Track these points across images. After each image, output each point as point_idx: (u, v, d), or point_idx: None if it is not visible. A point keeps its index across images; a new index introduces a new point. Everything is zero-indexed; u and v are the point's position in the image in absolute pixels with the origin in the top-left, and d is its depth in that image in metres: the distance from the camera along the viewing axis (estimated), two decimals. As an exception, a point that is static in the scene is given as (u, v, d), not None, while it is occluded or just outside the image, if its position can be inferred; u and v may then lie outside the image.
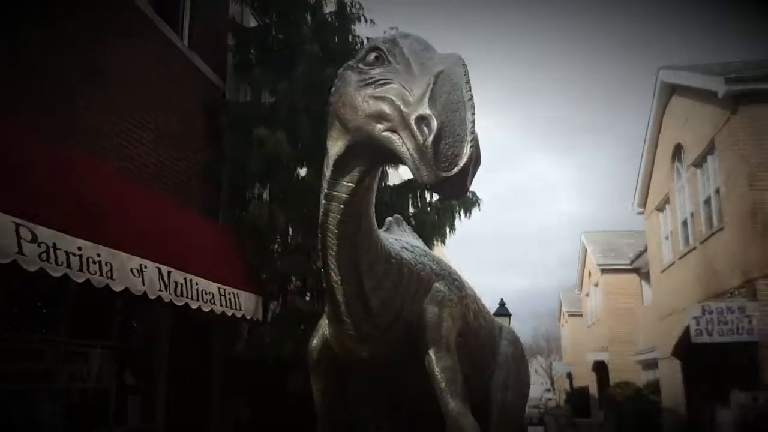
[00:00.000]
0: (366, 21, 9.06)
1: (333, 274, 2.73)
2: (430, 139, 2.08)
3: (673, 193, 15.19)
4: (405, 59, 2.35)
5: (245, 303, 7.22)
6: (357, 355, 2.96)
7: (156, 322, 7.35)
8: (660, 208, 16.59)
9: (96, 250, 4.93)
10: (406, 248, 3.17)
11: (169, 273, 5.84)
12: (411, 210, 9.33)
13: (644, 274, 25.01)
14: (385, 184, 8.78)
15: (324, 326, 3.20)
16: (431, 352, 2.87)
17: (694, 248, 13.40)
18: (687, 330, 11.60)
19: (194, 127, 8.08)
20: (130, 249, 5.38)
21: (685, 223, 14.55)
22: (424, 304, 3.03)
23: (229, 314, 6.84)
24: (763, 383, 9.98)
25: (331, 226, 2.65)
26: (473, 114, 2.16)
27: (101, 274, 4.93)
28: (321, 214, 2.67)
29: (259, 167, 7.84)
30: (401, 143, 2.19)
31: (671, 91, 14.88)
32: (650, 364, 20.37)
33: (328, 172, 2.63)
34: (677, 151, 14.86)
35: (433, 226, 9.07)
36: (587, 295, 28.83)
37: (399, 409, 3.44)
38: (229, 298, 6.85)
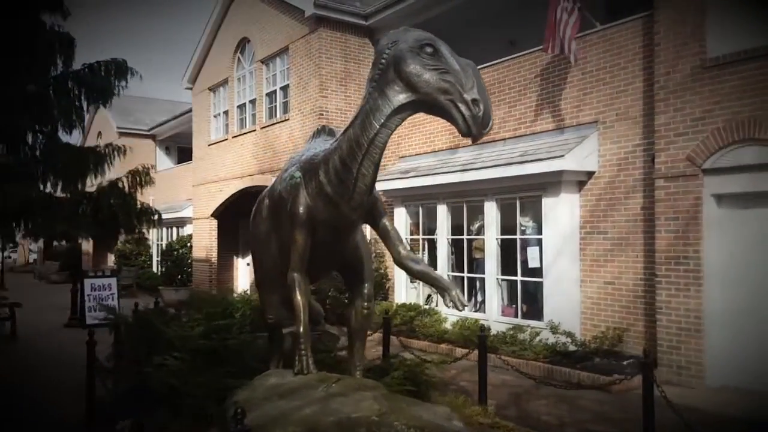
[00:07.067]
0: None
1: (365, 171, 4.20)
2: (481, 113, 3.98)
3: (233, 80, 17.59)
4: (450, 57, 4.03)
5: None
6: (348, 218, 4.48)
7: None
8: (213, 89, 18.79)
9: None
10: None
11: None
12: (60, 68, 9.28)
13: (159, 141, 27.00)
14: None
15: (305, 197, 4.53)
16: (385, 219, 4.69)
17: (254, 130, 16.31)
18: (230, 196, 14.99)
19: None
20: None
21: (241, 107, 17.25)
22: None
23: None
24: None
25: (378, 143, 4.11)
26: (489, 97, 4.14)
27: None
28: (373, 134, 4.08)
29: None
30: (457, 110, 3.97)
31: (242, -12, 16.91)
32: (181, 222, 22.69)
33: (387, 110, 4.00)
34: (242, 44, 17.20)
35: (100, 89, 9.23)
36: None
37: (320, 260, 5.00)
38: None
